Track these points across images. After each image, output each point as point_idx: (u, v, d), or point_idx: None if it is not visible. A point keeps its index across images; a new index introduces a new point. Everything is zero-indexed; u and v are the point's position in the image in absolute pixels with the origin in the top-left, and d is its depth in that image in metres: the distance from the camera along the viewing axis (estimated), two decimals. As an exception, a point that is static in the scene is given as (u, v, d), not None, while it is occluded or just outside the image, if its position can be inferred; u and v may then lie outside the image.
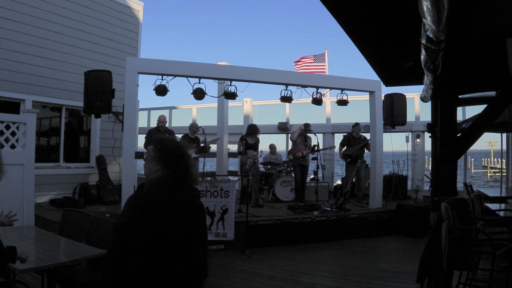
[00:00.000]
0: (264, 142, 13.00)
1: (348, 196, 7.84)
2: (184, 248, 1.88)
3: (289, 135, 9.61)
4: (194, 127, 8.26)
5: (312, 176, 9.61)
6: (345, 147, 9.06)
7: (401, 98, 7.69)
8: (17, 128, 5.89)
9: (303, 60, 13.07)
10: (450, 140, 4.82)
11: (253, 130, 8.18)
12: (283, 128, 11.40)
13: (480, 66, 4.58)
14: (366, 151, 8.89)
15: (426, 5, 2.33)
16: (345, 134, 9.41)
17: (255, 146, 8.20)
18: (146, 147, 7.64)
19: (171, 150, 2.01)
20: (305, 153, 8.46)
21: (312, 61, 12.96)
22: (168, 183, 1.91)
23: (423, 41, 3.05)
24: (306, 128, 8.51)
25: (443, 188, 4.88)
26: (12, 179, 5.50)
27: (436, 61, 3.49)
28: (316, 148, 8.34)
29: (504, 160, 10.04)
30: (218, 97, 8.23)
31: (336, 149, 9.44)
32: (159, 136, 7.00)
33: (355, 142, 8.89)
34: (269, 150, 10.15)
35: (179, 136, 8.51)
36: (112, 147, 8.57)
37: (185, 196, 1.95)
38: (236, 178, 9.34)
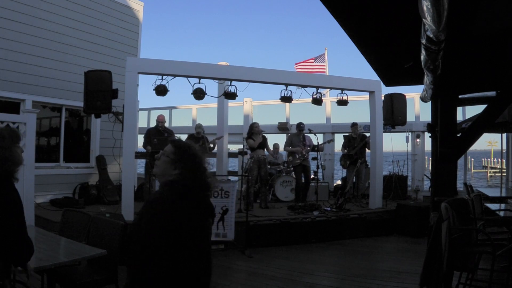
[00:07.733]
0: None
1: (348, 196, 7.84)
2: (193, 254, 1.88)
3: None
4: (197, 127, 8.38)
5: (312, 176, 9.62)
6: (346, 149, 9.07)
7: (401, 98, 7.69)
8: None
9: (304, 64, 13.07)
10: (450, 140, 4.81)
11: (251, 129, 8.17)
12: (283, 128, 11.39)
13: (480, 66, 4.57)
14: (367, 150, 8.89)
15: (426, 5, 2.32)
16: (345, 134, 9.42)
17: (262, 145, 8.01)
18: (145, 147, 7.64)
19: (192, 154, 1.98)
20: (304, 152, 8.43)
21: (313, 61, 12.96)
22: (183, 189, 1.87)
23: (423, 41, 3.04)
24: (299, 127, 8.51)
25: (443, 188, 4.88)
26: (12, 179, 5.48)
27: (436, 61, 3.48)
28: (316, 149, 8.32)
29: (504, 160, 10.03)
30: (218, 97, 8.22)
31: (338, 149, 9.44)
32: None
33: (355, 141, 8.90)
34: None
35: (178, 136, 8.52)
36: (112, 147, 8.57)
37: (197, 206, 1.93)
38: (236, 178, 9.34)
